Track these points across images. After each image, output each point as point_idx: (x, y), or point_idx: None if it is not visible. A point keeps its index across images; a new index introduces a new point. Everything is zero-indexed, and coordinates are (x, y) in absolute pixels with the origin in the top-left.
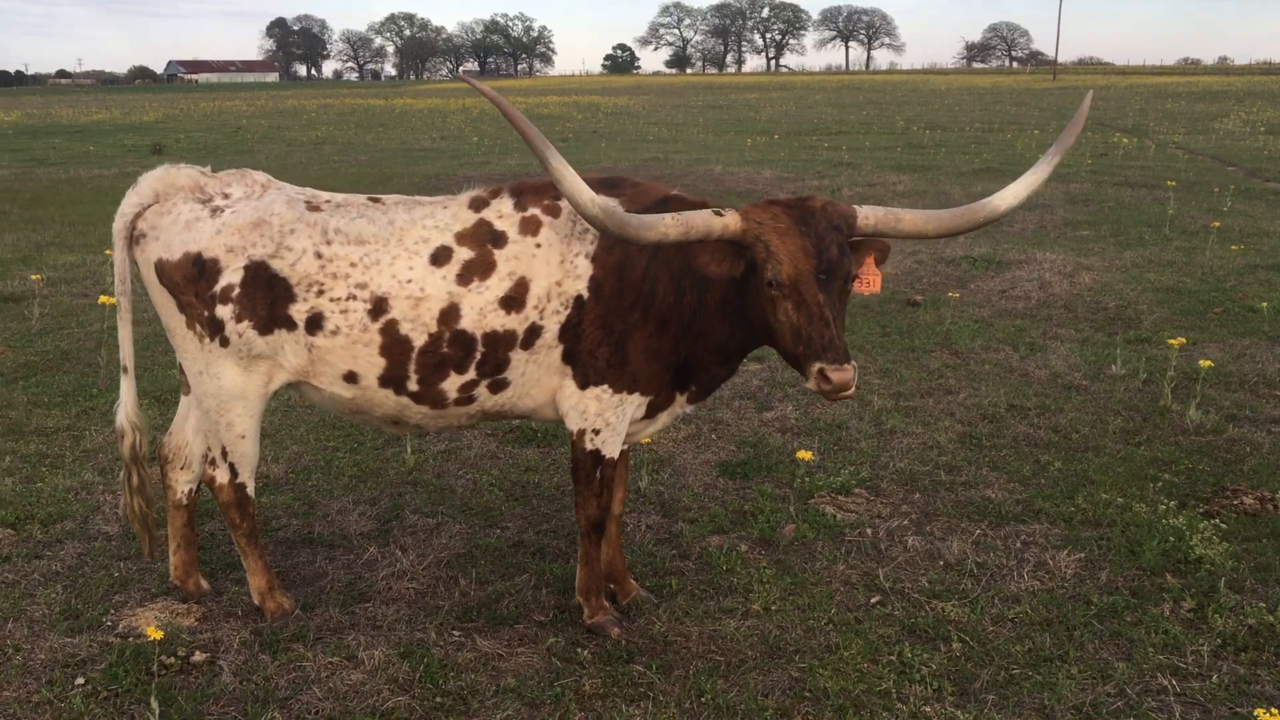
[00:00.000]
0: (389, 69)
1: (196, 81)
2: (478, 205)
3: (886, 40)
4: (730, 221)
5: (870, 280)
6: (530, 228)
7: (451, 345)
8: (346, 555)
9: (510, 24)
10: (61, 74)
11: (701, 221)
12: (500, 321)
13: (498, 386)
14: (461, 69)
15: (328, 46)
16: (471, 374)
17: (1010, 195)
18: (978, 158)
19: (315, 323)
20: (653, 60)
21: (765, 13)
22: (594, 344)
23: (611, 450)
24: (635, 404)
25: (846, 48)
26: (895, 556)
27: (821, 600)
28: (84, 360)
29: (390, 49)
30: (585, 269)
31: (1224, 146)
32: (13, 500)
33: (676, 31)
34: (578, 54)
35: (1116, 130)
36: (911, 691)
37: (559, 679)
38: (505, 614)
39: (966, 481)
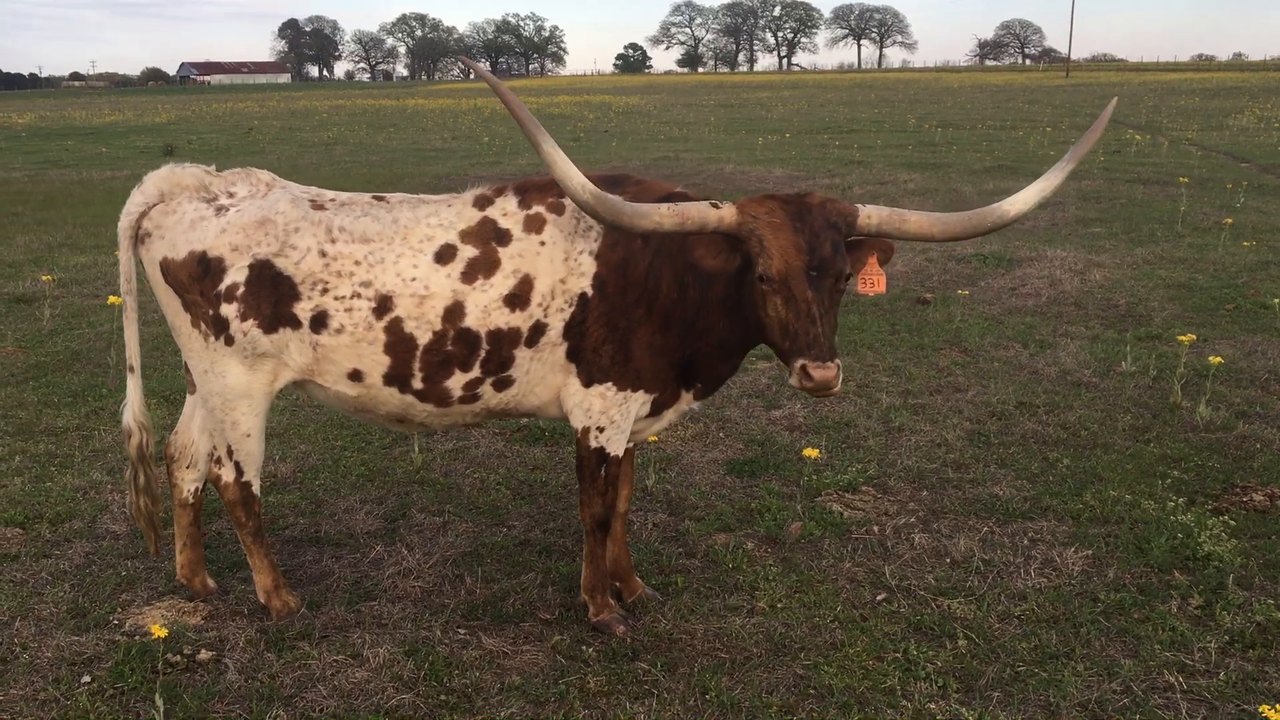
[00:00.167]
0: (400, 69)
1: (209, 83)
2: (482, 203)
3: (899, 38)
4: (726, 214)
5: (874, 280)
6: (534, 225)
7: (456, 343)
8: (353, 554)
9: (522, 24)
10: (75, 76)
11: (697, 213)
12: (504, 319)
13: (502, 384)
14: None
15: (339, 47)
16: (476, 372)
17: (1020, 201)
18: (989, 155)
19: (320, 321)
20: (664, 59)
21: (777, 11)
22: (598, 341)
23: (616, 448)
24: (640, 401)
25: (859, 46)
26: (902, 554)
27: (827, 598)
28: (94, 360)
29: (402, 49)
30: (589, 266)
31: (1237, 143)
32: (22, 500)
33: (688, 30)
34: (589, 54)
35: (1130, 127)
36: (916, 689)
37: (563, 676)
38: (511, 612)
39: (974, 479)
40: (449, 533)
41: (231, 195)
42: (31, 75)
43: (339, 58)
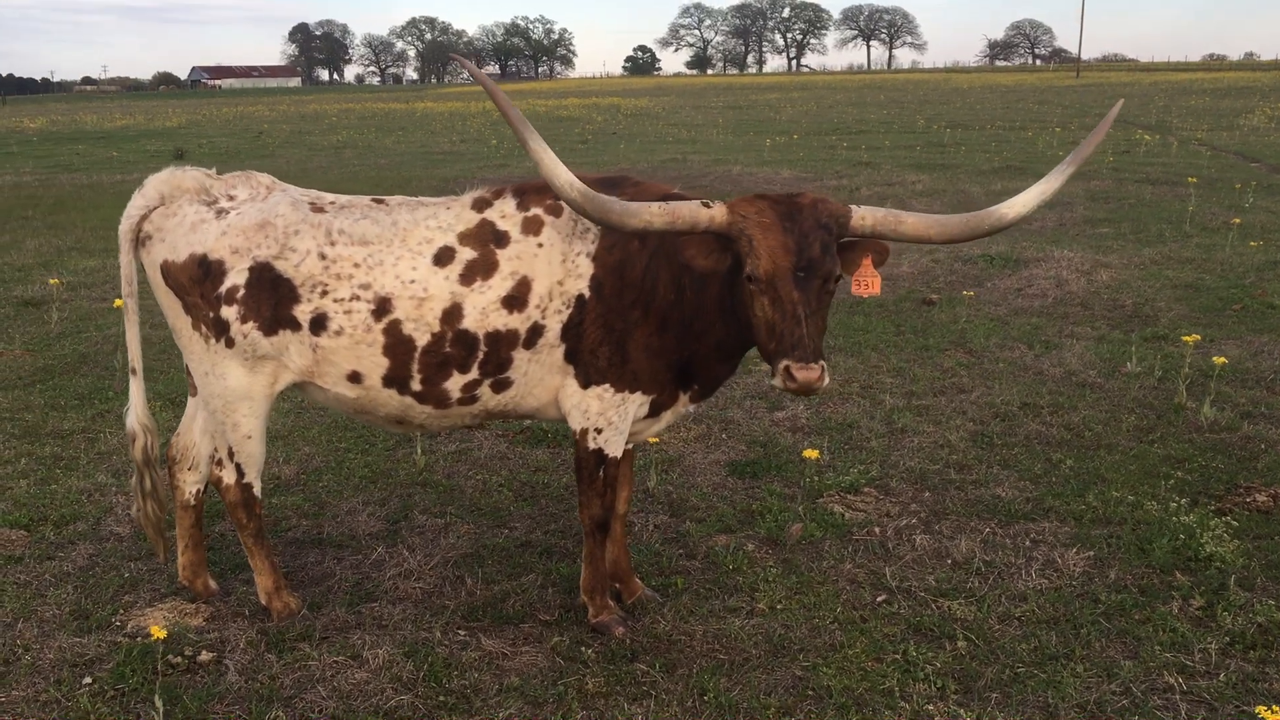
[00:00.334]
0: (410, 73)
1: (220, 87)
2: (481, 206)
3: (908, 39)
4: (717, 214)
5: (868, 282)
6: (532, 227)
7: (454, 345)
8: (355, 555)
9: (531, 27)
10: (87, 81)
11: (688, 212)
12: (503, 321)
13: (500, 386)
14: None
15: (350, 51)
16: (474, 373)
17: (1019, 204)
18: (998, 156)
19: (319, 323)
20: (673, 61)
21: (786, 12)
22: (595, 343)
23: (614, 449)
24: (637, 403)
25: (868, 47)
26: (903, 555)
27: (827, 599)
28: (101, 363)
29: (411, 53)
30: (586, 268)
31: (1248, 143)
32: (27, 502)
33: (697, 32)
34: (598, 56)
35: (1139, 127)
36: (915, 690)
37: (562, 678)
38: (511, 613)
39: (977, 480)
40: (450, 534)
41: (232, 198)
42: (44, 80)
43: (349, 61)
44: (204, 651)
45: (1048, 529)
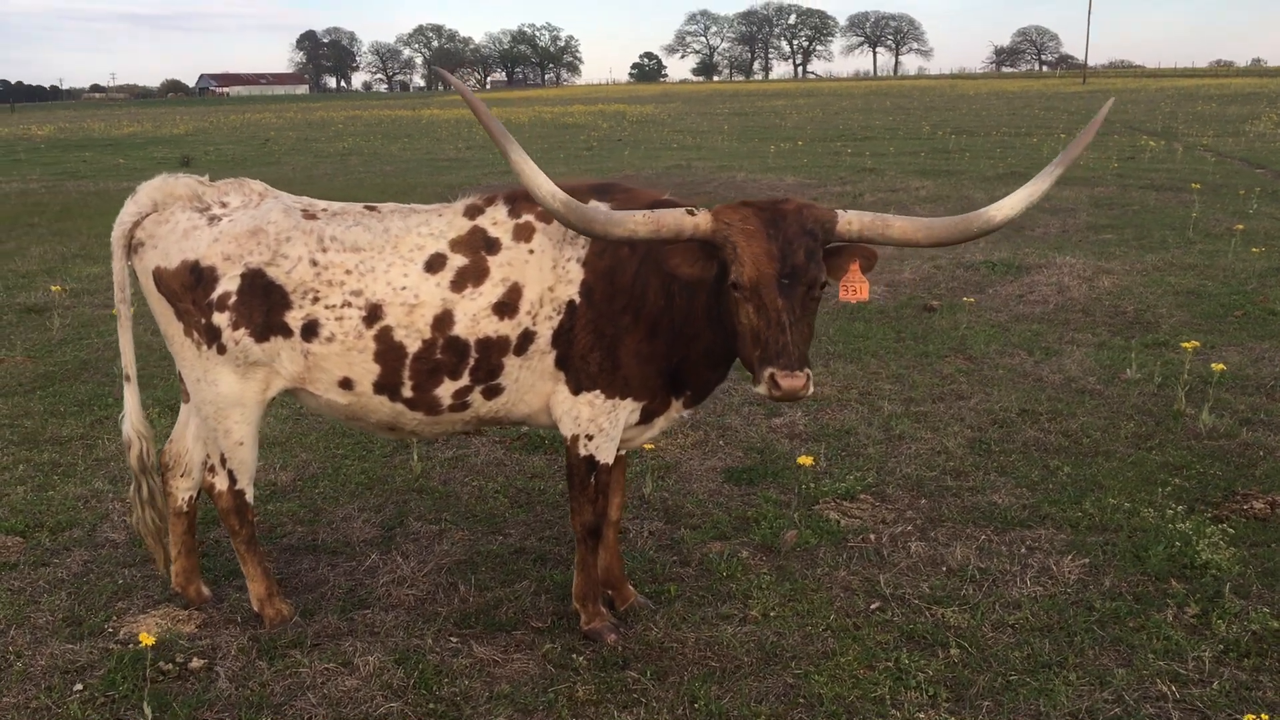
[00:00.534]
0: (417, 80)
1: (228, 94)
2: (472, 212)
3: (914, 45)
4: (701, 221)
5: (856, 287)
6: (524, 234)
7: (445, 351)
8: (349, 562)
9: (537, 34)
10: (95, 88)
11: (672, 220)
12: (493, 327)
13: (492, 392)
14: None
15: (357, 58)
16: (465, 380)
17: (1007, 206)
18: (1003, 162)
19: (311, 329)
20: (680, 68)
21: (792, 19)
22: (586, 349)
23: (605, 456)
24: (628, 409)
25: (874, 53)
26: (898, 562)
27: (820, 606)
28: (102, 370)
29: (418, 60)
30: (577, 274)
31: (1254, 149)
32: (23, 508)
33: (703, 39)
34: (605, 63)
35: (1145, 133)
36: (906, 698)
37: (553, 685)
38: (503, 620)
39: (973, 487)
40: (445, 541)
41: (224, 205)
42: (53, 87)
43: (356, 69)
44: (195, 658)
45: (1043, 536)
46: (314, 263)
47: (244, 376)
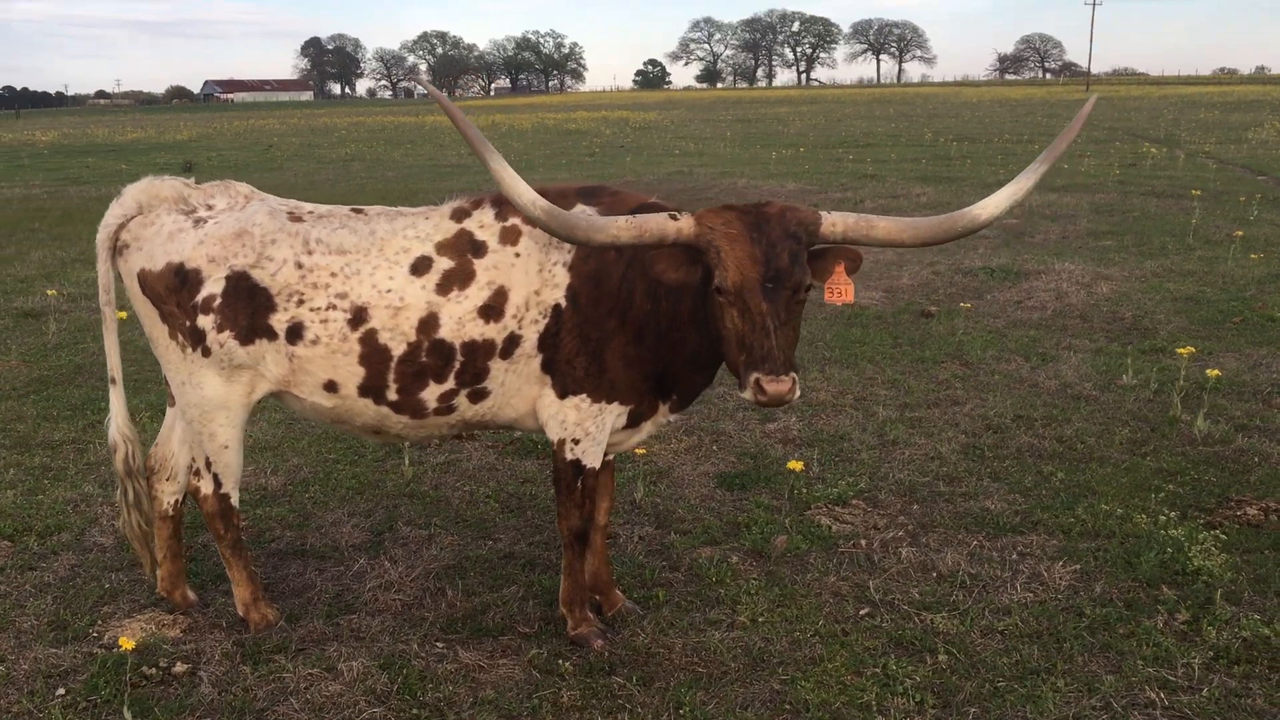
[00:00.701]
0: (421, 87)
1: (232, 101)
2: (459, 215)
3: (918, 53)
4: (684, 226)
5: (841, 289)
6: (510, 237)
7: (430, 354)
8: (336, 567)
9: (542, 41)
10: (100, 94)
11: (655, 225)
12: (479, 331)
13: (477, 396)
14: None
15: (361, 65)
16: (451, 383)
17: (992, 205)
18: (1004, 169)
19: (295, 332)
20: (684, 75)
21: (796, 27)
22: (571, 353)
23: (592, 460)
24: (615, 413)
25: (878, 61)
26: (888, 568)
27: (809, 612)
28: (96, 375)
29: (423, 67)
30: (563, 277)
31: (1256, 156)
32: (13, 512)
33: (707, 46)
34: (609, 70)
35: (1147, 140)
36: (893, 704)
37: (538, 691)
38: (490, 626)
39: (966, 493)
40: (433, 546)
41: (210, 208)
42: (58, 94)
43: (361, 75)
44: (179, 663)
45: (1035, 542)
46: (299, 265)
47: (229, 379)
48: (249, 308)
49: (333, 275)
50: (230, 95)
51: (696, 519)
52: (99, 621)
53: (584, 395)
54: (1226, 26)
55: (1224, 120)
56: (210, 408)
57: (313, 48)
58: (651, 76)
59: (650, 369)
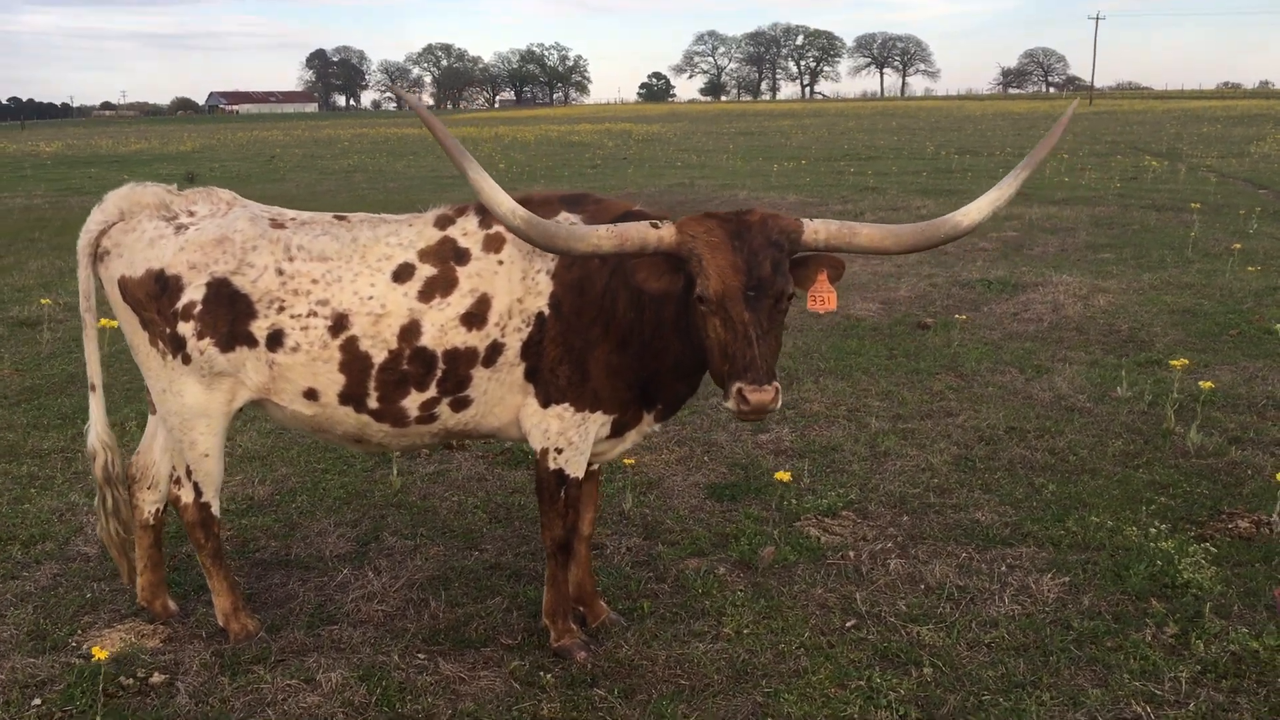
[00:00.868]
0: (426, 99)
1: (237, 112)
2: (443, 223)
3: (922, 66)
4: (665, 234)
5: (824, 297)
6: (493, 245)
7: (412, 362)
8: (320, 577)
9: (546, 53)
10: (106, 106)
11: (636, 234)
12: (461, 339)
13: (460, 405)
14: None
15: (366, 77)
16: (433, 391)
17: (974, 211)
18: None
19: (276, 339)
20: (688, 88)
21: (800, 40)
22: (555, 361)
23: (575, 469)
24: (598, 423)
25: (881, 74)
26: (876, 580)
27: (795, 624)
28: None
29: (428, 79)
30: (546, 286)
31: (1257, 170)
32: None
33: (711, 60)
34: (613, 83)
35: (1149, 154)
36: (876, 717)
37: (518, 703)
38: (472, 637)
39: (956, 504)
40: (418, 556)
41: (192, 214)
42: (64, 105)
43: (365, 87)
44: (157, 673)
45: (1024, 554)
46: (280, 272)
47: (209, 387)
48: (229, 314)
49: (314, 282)
50: (235, 106)
51: (685, 530)
52: (79, 631)
53: (567, 404)
54: (1231, 42)
55: (1226, 134)
56: (190, 415)
57: (318, 60)
58: (655, 89)
59: (634, 378)
